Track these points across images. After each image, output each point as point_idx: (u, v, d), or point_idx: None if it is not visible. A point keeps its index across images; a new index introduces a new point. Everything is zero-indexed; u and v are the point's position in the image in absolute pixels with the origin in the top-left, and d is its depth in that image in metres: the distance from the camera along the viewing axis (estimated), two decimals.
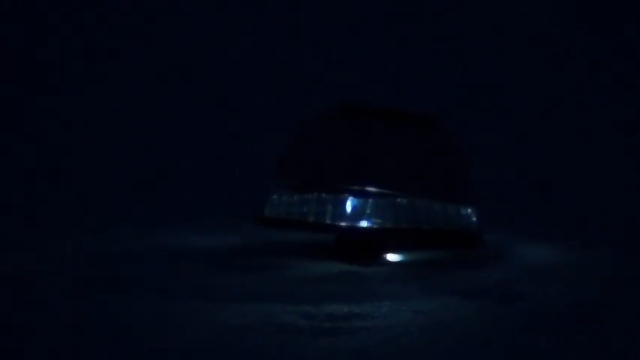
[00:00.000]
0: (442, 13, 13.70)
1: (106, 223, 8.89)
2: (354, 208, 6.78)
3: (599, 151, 12.07)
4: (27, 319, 4.95)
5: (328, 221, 6.82)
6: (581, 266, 7.20)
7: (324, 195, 6.84)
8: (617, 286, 6.42)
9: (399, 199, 6.86)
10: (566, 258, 7.57)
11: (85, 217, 9.17)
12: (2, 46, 13.08)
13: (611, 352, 4.52)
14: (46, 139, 12.24)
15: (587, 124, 12.64)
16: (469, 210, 7.22)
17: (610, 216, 9.73)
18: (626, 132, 12.51)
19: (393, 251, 7.12)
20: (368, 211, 6.78)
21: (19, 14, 13.39)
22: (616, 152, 12.01)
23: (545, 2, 14.06)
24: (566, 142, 12.08)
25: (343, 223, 6.80)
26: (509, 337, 4.80)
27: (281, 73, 12.92)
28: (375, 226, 6.81)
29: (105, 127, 12.54)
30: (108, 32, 13.69)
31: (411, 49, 13.32)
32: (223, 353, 4.32)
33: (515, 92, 12.90)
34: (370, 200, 6.77)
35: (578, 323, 5.17)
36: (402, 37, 13.47)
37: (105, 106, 12.90)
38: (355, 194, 6.79)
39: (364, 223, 6.79)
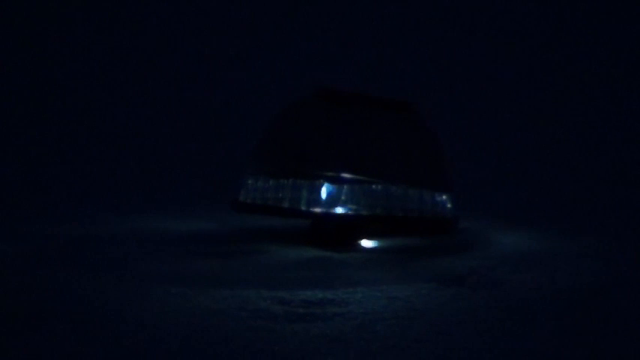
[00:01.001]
0: None
1: (85, 208, 8.84)
2: (329, 194, 6.77)
3: (584, 134, 12.07)
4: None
5: (303, 207, 6.80)
6: (561, 254, 7.21)
7: (299, 181, 6.82)
8: (598, 275, 6.43)
9: (374, 186, 6.85)
10: (546, 245, 7.60)
11: (64, 202, 9.11)
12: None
13: (589, 340, 4.52)
14: (27, 122, 12.14)
15: (570, 107, 12.65)
16: (445, 196, 7.21)
17: (593, 202, 9.75)
18: (611, 113, 12.49)
19: (369, 237, 7.12)
20: (343, 198, 6.78)
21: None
22: (601, 135, 11.99)
23: None
24: (548, 126, 12.06)
25: (318, 210, 6.79)
26: (485, 325, 4.79)
27: (255, 60, 12.89)
28: (350, 212, 6.80)
29: (82, 112, 12.45)
30: None
31: (385, 35, 13.30)
32: (197, 338, 4.29)
33: (496, 75, 12.88)
34: (345, 187, 6.77)
35: (556, 312, 5.17)
36: (378, 22, 13.45)
37: (81, 89, 12.79)
38: (330, 180, 6.78)
39: (339, 210, 6.78)
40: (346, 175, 6.81)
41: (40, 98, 12.59)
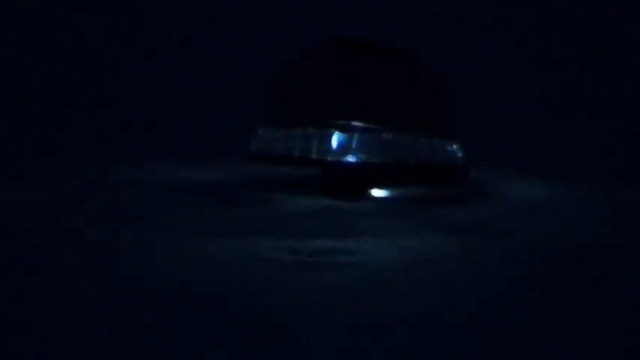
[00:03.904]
0: None
1: (99, 156, 8.88)
2: (339, 143, 6.75)
3: (593, 83, 11.99)
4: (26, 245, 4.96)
5: (314, 156, 6.80)
6: (571, 204, 7.20)
7: (310, 130, 6.81)
8: (606, 227, 6.37)
9: (384, 134, 6.83)
10: (556, 195, 7.57)
11: (79, 149, 9.14)
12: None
13: (597, 293, 4.51)
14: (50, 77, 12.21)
15: (580, 57, 12.57)
16: (455, 145, 7.20)
17: (604, 152, 9.71)
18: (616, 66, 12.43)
19: (379, 186, 7.10)
20: (354, 146, 6.75)
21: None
22: (610, 84, 11.92)
23: None
24: (556, 74, 11.99)
25: (329, 158, 6.78)
26: (493, 275, 4.78)
27: (266, 10, 12.82)
28: (360, 161, 6.78)
29: (99, 66, 12.48)
30: None
31: None
32: (207, 286, 4.28)
33: (506, 23, 12.79)
34: (356, 135, 6.75)
35: (564, 265, 5.14)
36: None
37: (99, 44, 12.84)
38: (341, 129, 6.76)
39: (350, 158, 6.77)
40: (357, 124, 6.79)
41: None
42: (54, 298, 3.95)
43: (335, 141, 6.72)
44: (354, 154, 6.72)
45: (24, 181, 7.20)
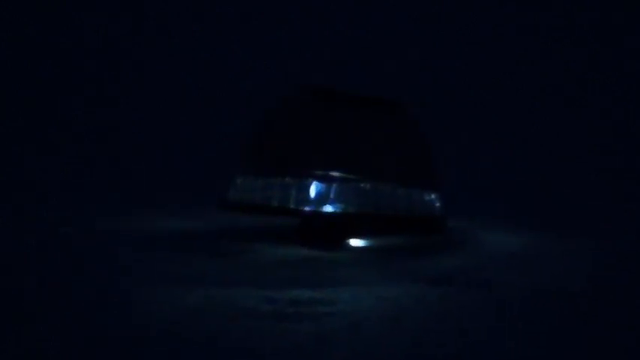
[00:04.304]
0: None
1: (77, 208, 8.88)
2: (318, 192, 6.78)
3: (569, 139, 12.12)
4: None
5: (292, 206, 6.81)
6: (546, 254, 7.22)
7: (288, 179, 6.84)
8: (581, 275, 6.44)
9: (362, 184, 6.86)
10: (532, 246, 7.61)
11: (56, 202, 9.13)
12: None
13: (572, 339, 4.55)
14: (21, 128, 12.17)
15: (558, 113, 12.71)
16: (433, 195, 7.23)
17: (578, 204, 9.81)
18: (596, 119, 12.56)
19: (357, 236, 7.13)
20: (332, 196, 6.78)
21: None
22: (585, 140, 12.05)
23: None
24: (537, 130, 12.11)
25: (307, 208, 6.80)
26: (472, 325, 4.79)
27: (243, 59, 12.91)
28: (338, 211, 6.81)
29: (74, 117, 12.49)
30: None
31: (378, 33, 13.33)
32: (185, 336, 4.28)
33: (487, 80, 12.93)
34: (334, 185, 6.78)
35: (541, 312, 5.18)
36: (371, 20, 13.48)
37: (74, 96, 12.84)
38: (319, 179, 6.79)
39: (328, 208, 6.78)
40: (335, 174, 6.82)
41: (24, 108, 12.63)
42: (39, 346, 3.95)
43: (313, 191, 6.77)
44: (332, 203, 6.75)
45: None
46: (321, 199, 6.73)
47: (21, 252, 6.39)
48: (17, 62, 12.73)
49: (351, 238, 7.01)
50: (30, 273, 5.68)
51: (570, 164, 11.12)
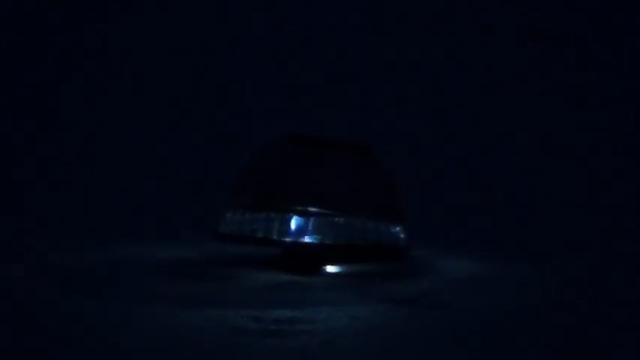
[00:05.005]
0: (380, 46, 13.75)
1: (74, 236, 8.80)
2: (297, 225, 6.88)
3: (518, 173, 12.07)
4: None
5: (275, 237, 6.93)
6: (497, 279, 7.31)
7: (271, 214, 6.93)
8: (529, 298, 6.54)
9: (336, 218, 6.99)
10: (485, 271, 7.70)
11: (54, 230, 9.02)
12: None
13: (523, 352, 4.61)
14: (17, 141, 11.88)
15: (521, 142, 12.63)
16: (398, 228, 7.35)
17: (524, 233, 9.83)
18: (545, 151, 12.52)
19: (332, 263, 7.21)
20: (310, 229, 6.89)
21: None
22: (533, 172, 12.00)
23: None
24: (484, 168, 12.08)
25: (288, 239, 6.90)
26: (434, 341, 4.94)
27: (234, 107, 12.92)
28: (316, 241, 6.88)
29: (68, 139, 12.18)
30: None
31: (348, 85, 13.39)
32: (180, 352, 4.42)
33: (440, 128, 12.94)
34: (312, 219, 6.89)
35: (495, 330, 5.30)
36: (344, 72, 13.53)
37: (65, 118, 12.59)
38: (299, 213, 6.89)
39: (307, 239, 6.87)
40: (312, 209, 6.93)
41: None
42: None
43: (293, 224, 6.89)
44: (310, 235, 6.88)
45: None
46: (301, 231, 6.85)
47: (27, 279, 6.45)
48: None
49: (326, 265, 7.10)
50: (35, 296, 5.73)
51: (517, 199, 11.13)
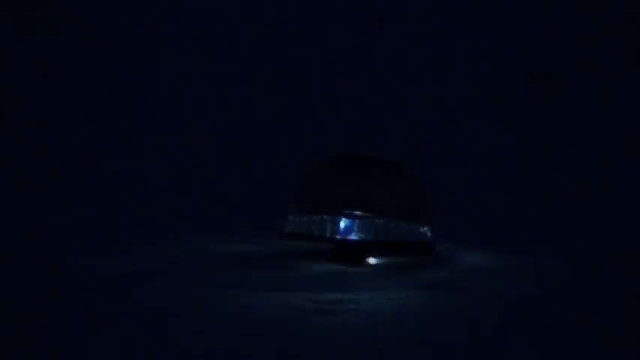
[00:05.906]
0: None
1: (165, 232, 8.68)
2: (345, 226, 7.05)
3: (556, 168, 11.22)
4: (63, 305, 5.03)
5: (328, 235, 7.06)
6: (507, 270, 7.21)
7: (324, 217, 7.11)
8: (532, 286, 6.41)
9: (376, 220, 7.13)
10: (497, 264, 7.59)
11: (141, 227, 8.79)
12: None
13: (528, 335, 4.66)
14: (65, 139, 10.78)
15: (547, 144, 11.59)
16: (426, 227, 7.44)
17: (533, 231, 9.36)
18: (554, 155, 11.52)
19: (373, 256, 7.36)
20: (355, 228, 7.06)
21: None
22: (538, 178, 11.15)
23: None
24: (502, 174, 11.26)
25: (338, 237, 7.04)
26: (456, 319, 5.01)
27: (294, 123, 11.88)
28: (360, 238, 7.05)
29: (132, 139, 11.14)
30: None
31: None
32: (251, 327, 4.54)
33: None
34: (357, 221, 7.08)
35: (508, 310, 5.35)
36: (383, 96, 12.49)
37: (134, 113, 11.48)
38: (346, 216, 7.09)
39: (353, 237, 7.05)
40: (357, 213, 7.16)
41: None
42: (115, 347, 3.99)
43: (342, 225, 7.06)
44: (355, 233, 6.98)
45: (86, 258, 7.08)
46: (348, 230, 6.99)
47: (129, 270, 6.31)
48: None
49: (368, 257, 7.19)
50: (132, 284, 5.67)
51: (528, 201, 10.54)
